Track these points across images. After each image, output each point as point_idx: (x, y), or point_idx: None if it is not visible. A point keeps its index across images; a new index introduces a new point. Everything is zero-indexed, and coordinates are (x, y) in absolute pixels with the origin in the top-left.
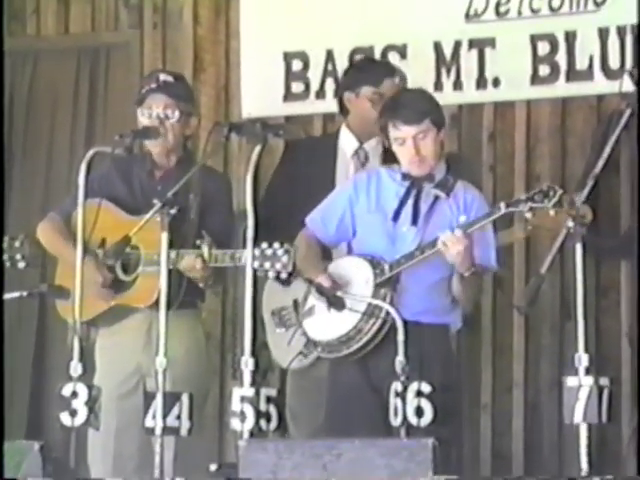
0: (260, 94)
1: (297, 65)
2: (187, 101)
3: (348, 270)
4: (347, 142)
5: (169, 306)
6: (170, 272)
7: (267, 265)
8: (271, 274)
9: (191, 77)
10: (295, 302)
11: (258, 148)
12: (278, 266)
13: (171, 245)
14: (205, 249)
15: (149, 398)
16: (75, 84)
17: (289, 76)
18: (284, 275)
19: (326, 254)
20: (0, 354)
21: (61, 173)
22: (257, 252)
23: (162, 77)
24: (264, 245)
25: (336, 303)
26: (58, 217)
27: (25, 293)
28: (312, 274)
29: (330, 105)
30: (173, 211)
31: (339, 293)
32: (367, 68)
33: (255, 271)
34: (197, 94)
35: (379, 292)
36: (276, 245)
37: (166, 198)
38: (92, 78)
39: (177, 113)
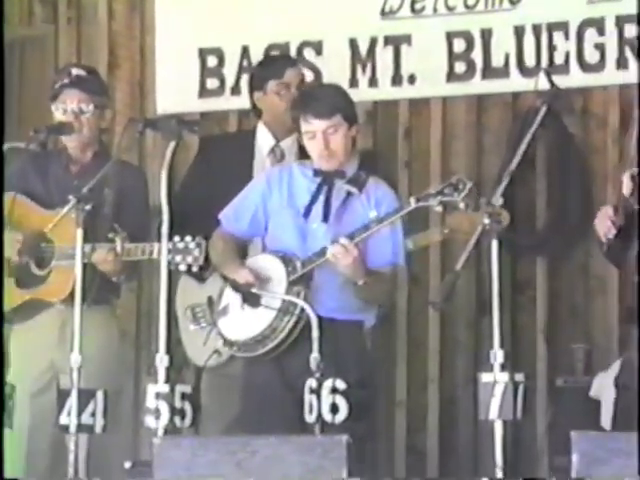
0: (175, 90)
1: (212, 61)
2: (101, 94)
3: (262, 267)
4: (263, 139)
5: (83, 300)
6: (84, 267)
7: (178, 258)
8: (182, 267)
9: (106, 72)
10: (209, 299)
11: (173, 144)
12: (189, 259)
13: (86, 239)
14: (118, 242)
15: (63, 395)
16: None
17: (204, 72)
18: (195, 268)
19: (242, 251)
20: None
21: None
22: (169, 245)
23: (75, 72)
24: (176, 238)
25: (251, 299)
26: None
27: None
28: (230, 269)
29: (245, 101)
30: (88, 207)
31: (254, 290)
32: (268, 64)
33: (168, 266)
34: (112, 90)
35: (292, 289)
36: (188, 238)
37: (81, 194)
38: (6, 72)
39: (91, 107)
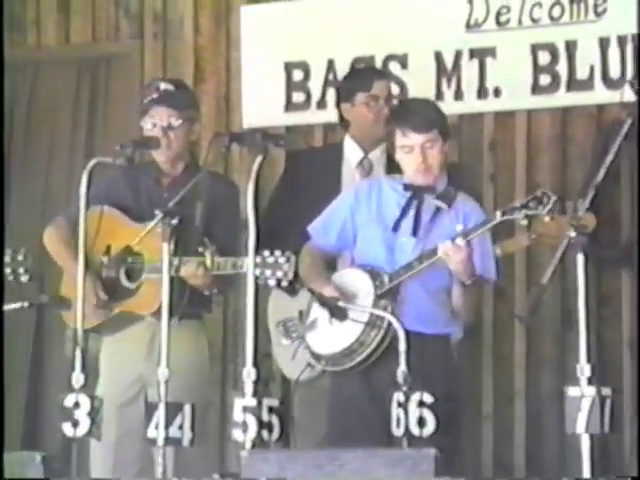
0: (261, 104)
1: (298, 75)
2: (189, 108)
3: (349, 282)
4: (352, 152)
5: (171, 314)
6: (172, 280)
7: (268, 273)
8: (272, 282)
9: (192, 87)
10: (301, 313)
11: (259, 158)
12: (279, 274)
13: (175, 252)
14: (207, 256)
15: (151, 408)
16: (75, 94)
17: (290, 86)
18: (285, 283)
19: (332, 264)
20: (0, 363)
21: (61, 184)
22: (259, 259)
23: (163, 86)
24: (266, 253)
25: (338, 313)
26: (65, 222)
27: (26, 304)
28: (317, 284)
29: (331, 115)
30: (175, 222)
31: (341, 303)
32: (356, 76)
33: (256, 280)
34: None
35: (379, 303)
36: (277, 253)
37: (167, 209)
38: (92, 88)
39: (180, 122)
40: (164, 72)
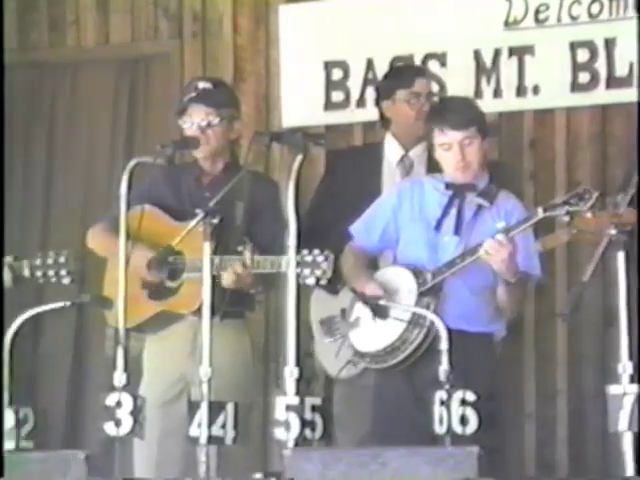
0: (300, 103)
1: (337, 74)
2: (228, 106)
3: (391, 280)
4: (392, 150)
5: (213, 313)
6: (214, 279)
7: (307, 272)
8: (310, 281)
9: (231, 87)
10: (343, 311)
11: (300, 157)
12: (318, 272)
13: (216, 251)
14: (247, 255)
15: (194, 407)
16: (115, 95)
17: (329, 85)
18: (323, 282)
19: (373, 263)
20: None
21: (101, 184)
22: (298, 258)
23: (201, 85)
24: (304, 251)
25: (380, 312)
26: (107, 224)
27: (68, 303)
28: (359, 283)
29: (370, 114)
30: (215, 221)
31: (383, 302)
32: (397, 73)
33: (297, 279)
34: None
35: (422, 301)
36: (316, 251)
37: (208, 208)
38: (132, 88)
39: (218, 119)
40: (203, 72)
